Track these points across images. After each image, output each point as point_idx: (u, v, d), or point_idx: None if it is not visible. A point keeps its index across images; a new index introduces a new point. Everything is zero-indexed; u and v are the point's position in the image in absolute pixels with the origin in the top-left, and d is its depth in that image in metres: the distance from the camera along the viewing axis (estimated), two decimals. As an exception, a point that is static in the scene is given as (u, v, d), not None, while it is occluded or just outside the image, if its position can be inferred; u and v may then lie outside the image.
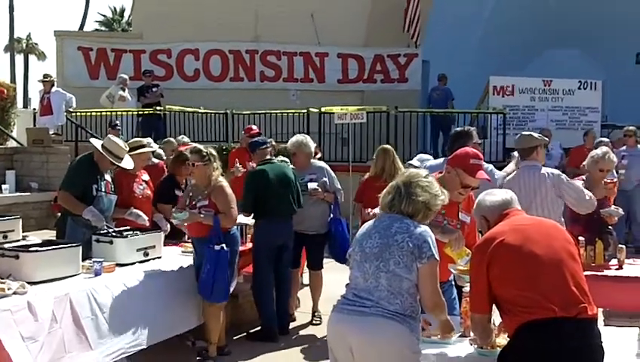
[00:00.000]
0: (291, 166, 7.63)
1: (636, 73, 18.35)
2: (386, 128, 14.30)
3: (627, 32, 18.48)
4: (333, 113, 13.80)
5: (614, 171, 7.86)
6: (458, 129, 6.67)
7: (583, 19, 18.82)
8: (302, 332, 7.65)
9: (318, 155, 9.94)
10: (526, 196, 5.82)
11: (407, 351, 3.67)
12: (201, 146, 6.71)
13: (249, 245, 7.34)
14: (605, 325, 6.41)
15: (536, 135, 6.39)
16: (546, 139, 6.47)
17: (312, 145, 7.98)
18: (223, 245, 6.26)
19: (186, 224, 6.45)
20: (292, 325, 7.78)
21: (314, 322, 7.86)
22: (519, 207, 3.94)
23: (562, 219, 5.90)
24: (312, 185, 7.60)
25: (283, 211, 7.28)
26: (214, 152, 6.56)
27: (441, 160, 6.42)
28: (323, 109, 14.53)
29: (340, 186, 7.96)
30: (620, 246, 6.66)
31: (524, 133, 6.45)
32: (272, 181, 7.23)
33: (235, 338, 7.22)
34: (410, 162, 7.35)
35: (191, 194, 6.53)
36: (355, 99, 16.53)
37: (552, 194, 5.84)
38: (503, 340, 3.83)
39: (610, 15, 18.73)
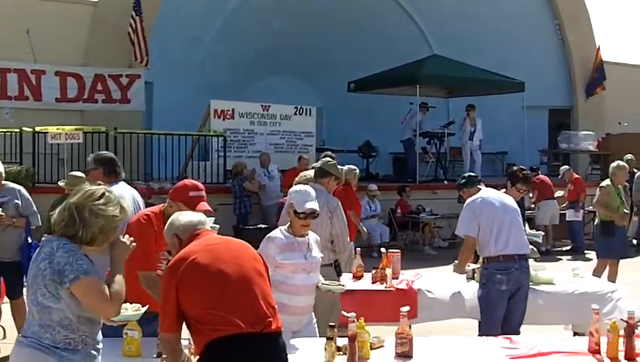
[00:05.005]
0: None
1: (349, 101, 19.58)
2: (105, 149, 13.92)
3: (341, 61, 19.71)
4: (48, 133, 13.23)
5: None
6: None
7: (302, 47, 19.77)
8: (5, 365, 7.20)
9: None
10: None
11: None
12: None
13: None
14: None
15: (336, 169, 6.72)
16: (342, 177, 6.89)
17: (1, 166, 7.54)
18: None
19: None
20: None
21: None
22: (209, 228, 4.03)
23: (329, 244, 6.18)
24: None
25: None
26: None
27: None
28: (37, 129, 13.79)
29: (35, 209, 7.55)
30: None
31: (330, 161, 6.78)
32: None
33: None
34: None
35: None
36: (75, 118, 15.91)
37: (325, 217, 6.12)
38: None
39: (327, 45, 19.88)
